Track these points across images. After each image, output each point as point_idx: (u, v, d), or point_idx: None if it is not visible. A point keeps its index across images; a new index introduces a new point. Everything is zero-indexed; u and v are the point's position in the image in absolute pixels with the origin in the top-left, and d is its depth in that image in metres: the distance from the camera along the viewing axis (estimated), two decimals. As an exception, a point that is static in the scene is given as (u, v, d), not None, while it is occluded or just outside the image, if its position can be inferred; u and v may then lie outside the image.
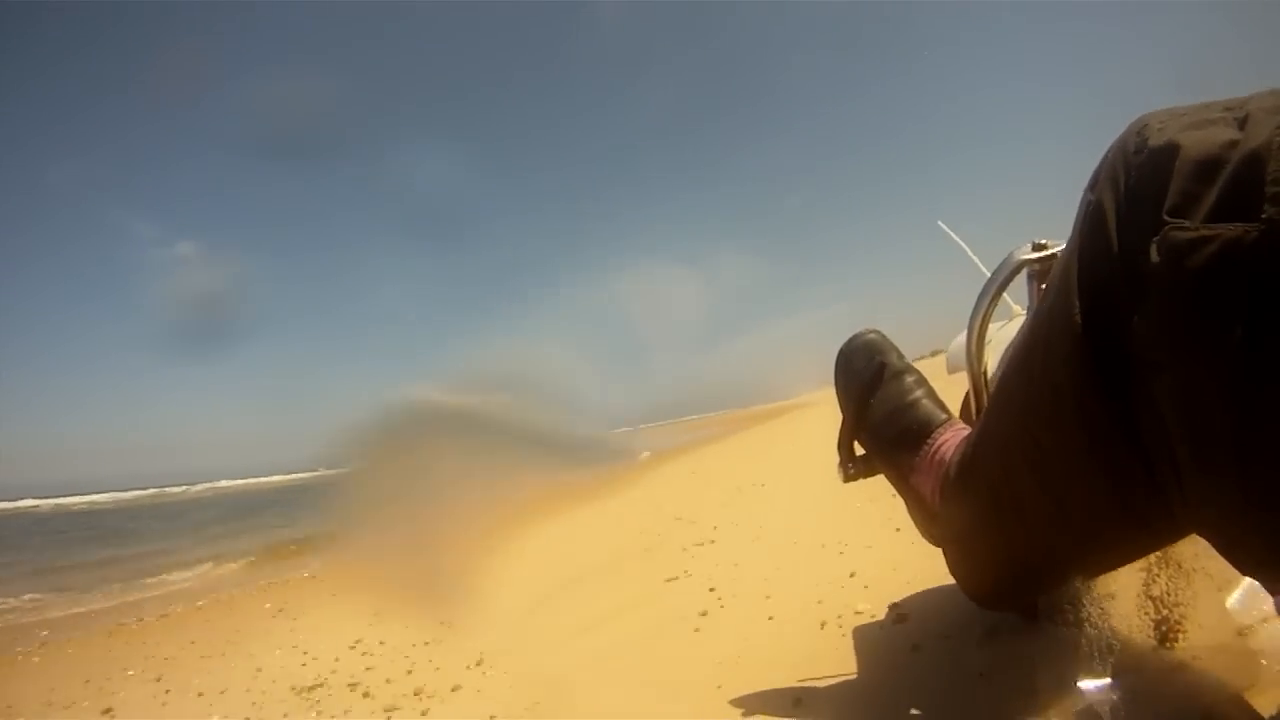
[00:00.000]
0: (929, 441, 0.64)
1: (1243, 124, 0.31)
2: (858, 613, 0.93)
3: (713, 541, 1.71)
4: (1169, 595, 0.60)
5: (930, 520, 0.64)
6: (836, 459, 0.73)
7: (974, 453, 0.54)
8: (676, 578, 1.42)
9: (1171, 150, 0.32)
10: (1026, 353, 0.43)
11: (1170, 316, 0.32)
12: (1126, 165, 0.35)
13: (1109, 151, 0.37)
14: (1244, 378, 0.29)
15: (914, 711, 0.69)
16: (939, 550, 0.67)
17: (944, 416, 0.66)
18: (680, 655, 1.00)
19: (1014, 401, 0.46)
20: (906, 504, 0.68)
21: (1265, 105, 0.31)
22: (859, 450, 0.73)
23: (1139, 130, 0.35)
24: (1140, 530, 0.43)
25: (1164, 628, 0.60)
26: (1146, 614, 0.60)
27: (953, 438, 0.64)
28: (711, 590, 1.25)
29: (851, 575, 1.10)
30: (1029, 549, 0.52)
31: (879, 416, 0.69)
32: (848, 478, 0.72)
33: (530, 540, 2.41)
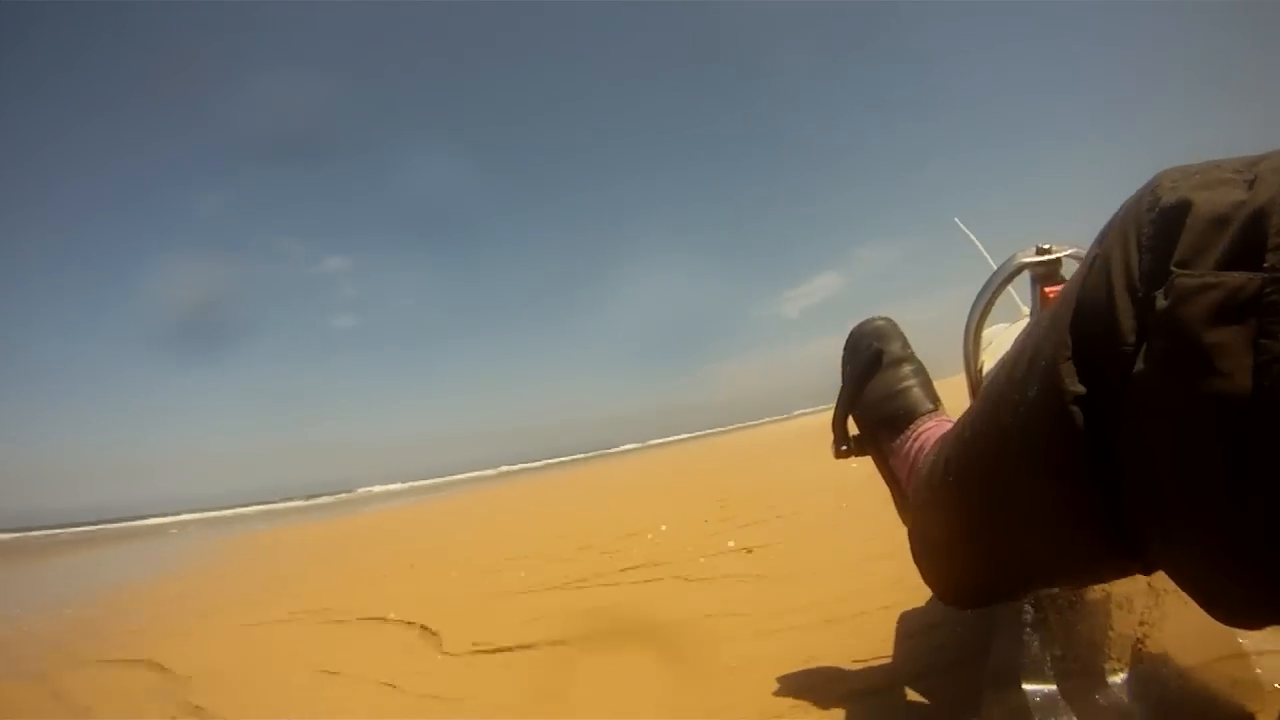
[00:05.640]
0: (910, 428, 0.66)
1: (1251, 185, 0.32)
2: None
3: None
4: (1142, 613, 0.59)
5: (905, 506, 0.66)
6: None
7: (948, 455, 0.54)
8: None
9: (1183, 208, 0.33)
10: (1011, 382, 0.43)
11: (1172, 357, 0.32)
12: (1138, 222, 0.36)
13: (1121, 209, 0.38)
14: (1240, 418, 0.30)
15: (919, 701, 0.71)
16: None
17: (930, 406, 0.67)
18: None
19: (994, 422, 0.46)
20: (888, 486, 0.70)
21: (1273, 165, 0.32)
22: (854, 431, 0.76)
23: (1152, 189, 0.36)
24: (1100, 566, 0.43)
25: (1134, 646, 0.59)
26: (1111, 630, 0.59)
27: (935, 428, 0.65)
28: None
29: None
30: (988, 561, 0.52)
31: (871, 400, 0.71)
32: (839, 454, 0.75)
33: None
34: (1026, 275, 0.64)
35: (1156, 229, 0.34)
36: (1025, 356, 0.42)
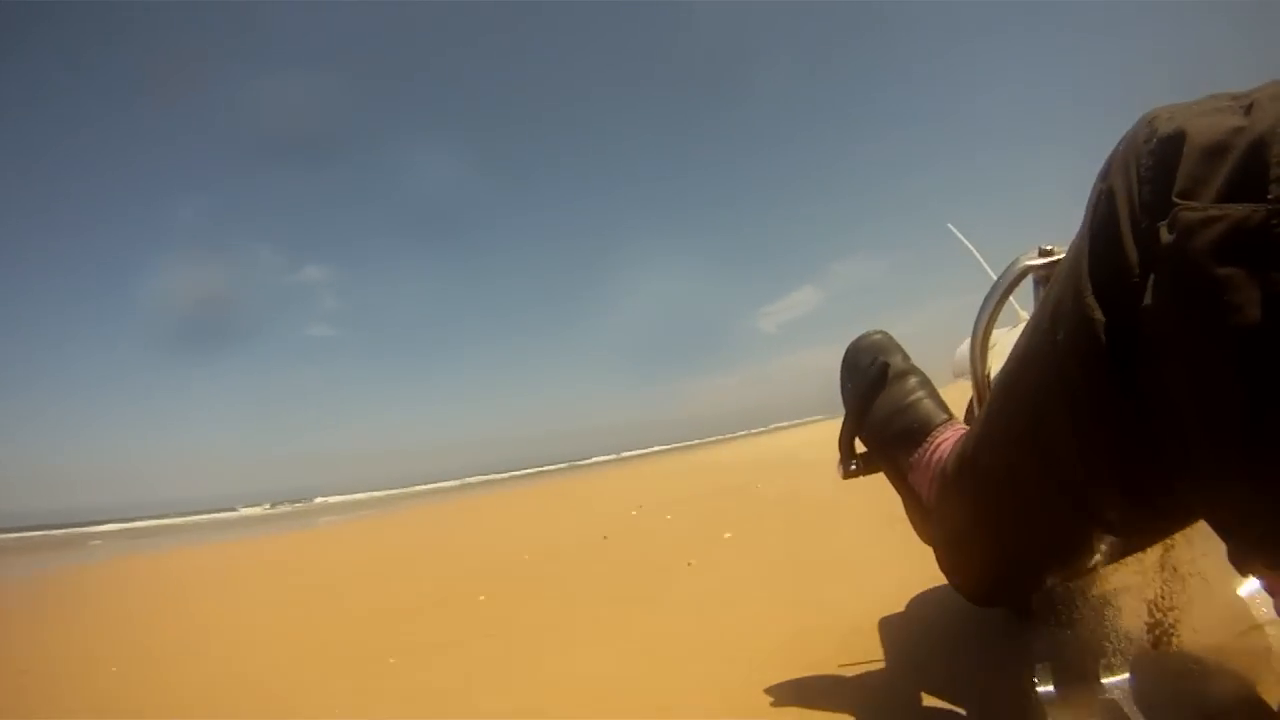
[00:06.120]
0: (928, 440, 0.66)
1: (1248, 111, 0.32)
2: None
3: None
4: (1163, 599, 0.60)
5: (926, 519, 0.66)
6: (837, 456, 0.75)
7: (974, 447, 0.54)
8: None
9: (1179, 137, 0.33)
10: (1034, 339, 0.43)
11: (1180, 293, 0.32)
12: (1137, 153, 0.36)
13: (1119, 143, 0.38)
14: (1253, 351, 0.30)
15: (927, 703, 0.71)
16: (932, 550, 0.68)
17: (944, 416, 0.67)
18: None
19: (1018, 391, 0.46)
20: (904, 502, 0.70)
21: (1270, 93, 0.32)
22: (860, 449, 0.75)
23: (1149, 121, 0.36)
24: (1145, 513, 0.44)
25: (1157, 631, 0.61)
26: (1140, 617, 0.61)
27: (951, 436, 0.65)
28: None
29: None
30: (1028, 542, 0.52)
31: (880, 416, 0.70)
32: (848, 474, 0.74)
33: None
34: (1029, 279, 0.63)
35: (1155, 159, 0.34)
36: (1048, 310, 0.42)
